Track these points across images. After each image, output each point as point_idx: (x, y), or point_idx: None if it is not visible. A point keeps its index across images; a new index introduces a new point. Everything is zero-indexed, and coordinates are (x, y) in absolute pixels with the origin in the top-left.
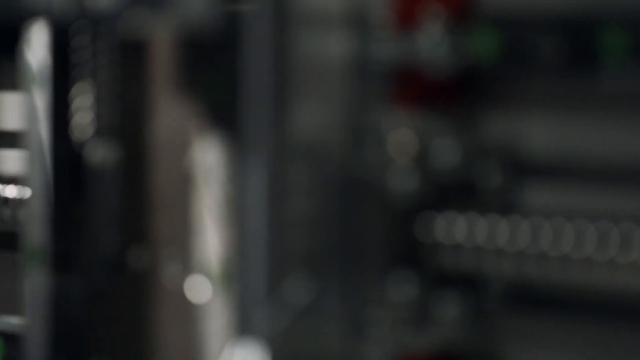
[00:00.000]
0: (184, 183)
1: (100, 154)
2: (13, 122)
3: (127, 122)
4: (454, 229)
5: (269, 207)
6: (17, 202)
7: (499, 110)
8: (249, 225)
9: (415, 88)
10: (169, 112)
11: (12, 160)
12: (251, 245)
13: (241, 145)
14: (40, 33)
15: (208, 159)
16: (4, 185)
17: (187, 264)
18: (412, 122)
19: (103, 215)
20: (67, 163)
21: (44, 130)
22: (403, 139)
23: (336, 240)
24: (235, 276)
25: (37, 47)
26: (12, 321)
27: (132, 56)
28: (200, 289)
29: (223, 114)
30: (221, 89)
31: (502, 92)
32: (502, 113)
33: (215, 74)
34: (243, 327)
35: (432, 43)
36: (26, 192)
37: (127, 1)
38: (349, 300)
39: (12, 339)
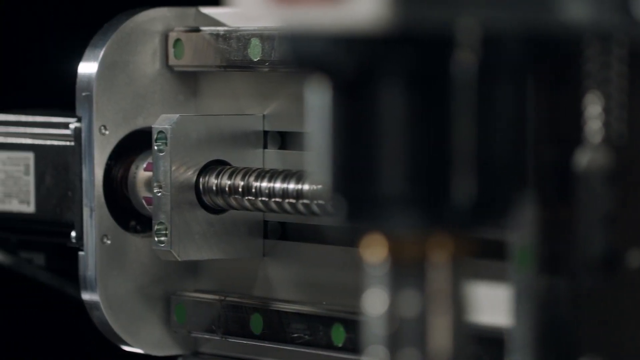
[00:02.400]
0: None
1: (593, 157)
2: None
3: (630, 127)
4: None
5: None
6: None
7: None
8: None
9: None
10: None
11: None
12: None
13: None
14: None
15: None
16: None
17: None
18: None
19: (594, 217)
20: (555, 166)
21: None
22: None
23: None
24: None
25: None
26: (496, 325)
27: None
28: None
29: None
30: None
31: None
32: None
33: None
34: None
35: None
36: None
37: None
38: None
39: (496, 343)
